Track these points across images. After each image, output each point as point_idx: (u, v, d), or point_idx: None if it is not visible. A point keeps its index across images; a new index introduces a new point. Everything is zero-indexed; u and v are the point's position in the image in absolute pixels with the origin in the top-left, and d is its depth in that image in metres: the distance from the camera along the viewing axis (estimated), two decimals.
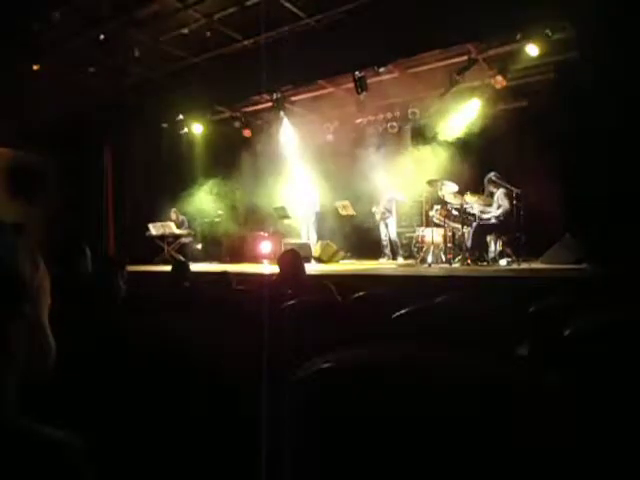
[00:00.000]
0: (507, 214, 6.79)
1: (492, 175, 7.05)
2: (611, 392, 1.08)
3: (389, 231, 8.96)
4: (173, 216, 10.12)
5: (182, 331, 1.46)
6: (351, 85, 8.02)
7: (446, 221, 7.16)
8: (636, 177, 4.95)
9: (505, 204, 6.83)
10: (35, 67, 8.00)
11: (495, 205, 6.96)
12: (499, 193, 6.93)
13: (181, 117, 9.96)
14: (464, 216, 7.03)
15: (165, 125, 10.32)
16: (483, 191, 7.23)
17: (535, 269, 6.17)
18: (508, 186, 6.81)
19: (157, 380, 1.25)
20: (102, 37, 7.56)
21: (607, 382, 1.10)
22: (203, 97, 8.81)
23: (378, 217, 8.99)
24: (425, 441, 0.75)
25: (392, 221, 8.96)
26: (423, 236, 7.61)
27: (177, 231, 9.86)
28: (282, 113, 9.43)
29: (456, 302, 2.16)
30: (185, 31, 7.68)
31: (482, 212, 7.01)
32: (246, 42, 7.99)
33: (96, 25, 7.41)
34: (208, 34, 7.66)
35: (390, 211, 8.93)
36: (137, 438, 1.19)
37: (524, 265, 6.43)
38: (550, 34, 6.60)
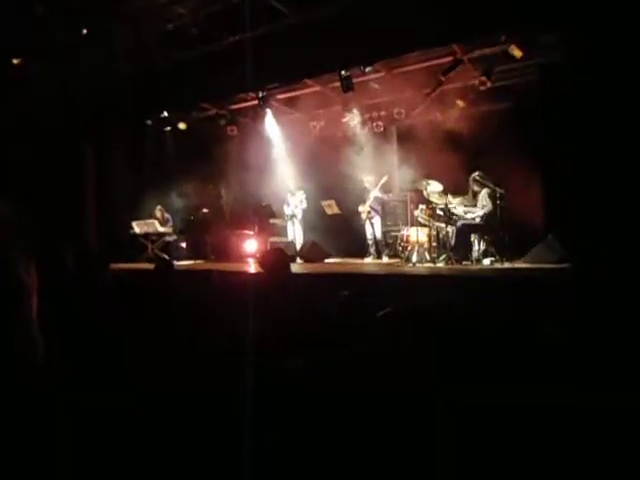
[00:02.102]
0: (491, 214, 6.87)
1: (476, 175, 7.12)
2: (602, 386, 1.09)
3: (374, 230, 8.99)
4: (158, 214, 10.01)
5: (165, 328, 1.45)
6: (337, 84, 8.01)
7: (431, 220, 7.22)
8: (618, 178, 5.04)
9: (488, 204, 6.91)
10: (16, 61, 7.86)
11: (479, 205, 7.03)
12: (483, 193, 7.00)
13: (166, 114, 9.86)
14: (449, 216, 7.08)
15: (149, 122, 10.20)
16: (468, 191, 7.29)
17: (518, 268, 6.24)
18: (492, 186, 6.88)
19: (146, 378, 1.24)
20: (85, 32, 7.47)
21: (596, 379, 1.11)
22: (188, 94, 8.73)
23: (364, 216, 9.01)
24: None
25: (377, 220, 9.00)
26: (408, 235, 7.64)
27: (161, 229, 9.76)
28: (268, 111, 9.40)
29: (440, 301, 2.18)
30: (170, 27, 7.63)
31: (466, 212, 7.08)
32: (231, 39, 7.94)
33: (80, 19, 7.31)
34: (193, 30, 7.61)
35: (376, 210, 8.96)
36: (131, 433, 1.18)
37: (507, 264, 6.50)
38: (536, 37, 6.68)
